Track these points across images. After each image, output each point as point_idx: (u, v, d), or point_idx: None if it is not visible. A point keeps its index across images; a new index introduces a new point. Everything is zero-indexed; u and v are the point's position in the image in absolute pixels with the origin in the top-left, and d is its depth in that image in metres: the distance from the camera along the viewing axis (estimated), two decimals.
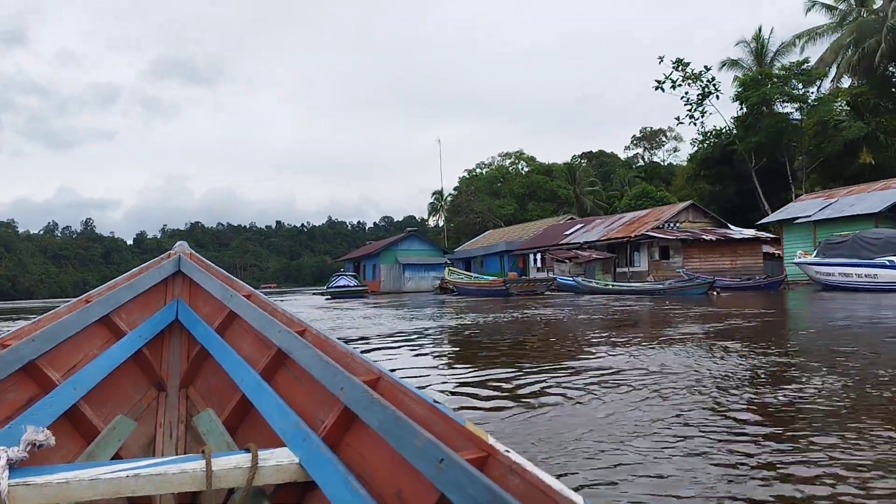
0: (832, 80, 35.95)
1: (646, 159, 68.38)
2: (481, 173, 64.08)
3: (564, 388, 4.02)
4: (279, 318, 1.95)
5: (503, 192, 57.88)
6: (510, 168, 64.16)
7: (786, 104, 35.76)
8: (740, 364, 4.73)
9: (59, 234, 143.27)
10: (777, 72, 35.56)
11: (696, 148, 41.48)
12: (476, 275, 32.04)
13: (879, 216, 21.22)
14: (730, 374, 4.26)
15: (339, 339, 1.73)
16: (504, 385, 4.23)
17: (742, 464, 2.33)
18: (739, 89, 35.33)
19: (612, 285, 23.91)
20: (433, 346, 7.34)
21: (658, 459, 2.39)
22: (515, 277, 27.39)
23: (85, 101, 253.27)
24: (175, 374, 2.17)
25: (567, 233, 35.96)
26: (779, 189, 35.13)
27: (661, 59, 36.49)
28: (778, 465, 2.28)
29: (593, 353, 5.77)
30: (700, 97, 36.67)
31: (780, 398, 3.47)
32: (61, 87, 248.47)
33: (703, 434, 2.75)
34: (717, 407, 3.29)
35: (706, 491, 2.06)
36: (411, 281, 42.84)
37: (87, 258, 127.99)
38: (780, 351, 5.51)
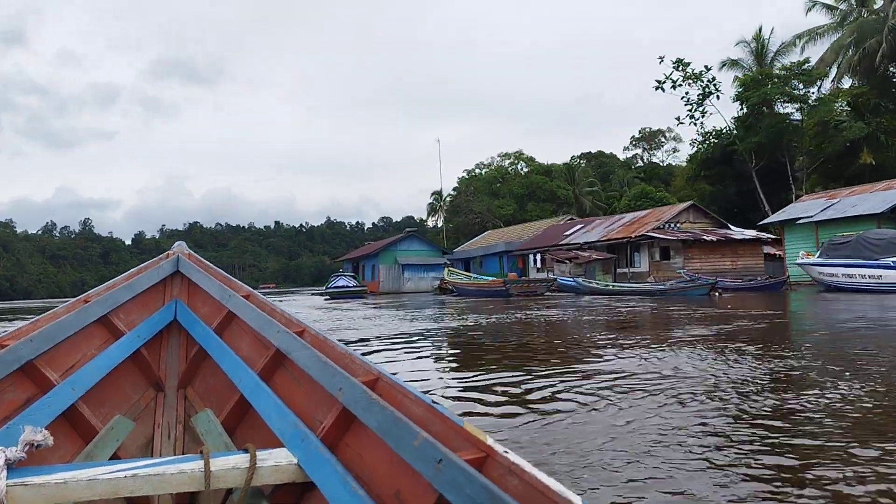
0: (833, 81, 35.88)
1: (645, 160, 68.38)
2: (481, 173, 63.92)
3: (576, 392, 3.87)
4: (278, 318, 1.94)
5: (502, 193, 57.72)
6: (509, 168, 64.00)
7: (786, 104, 35.69)
8: (757, 368, 4.57)
9: (58, 234, 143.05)
10: (777, 72, 35.47)
11: (695, 148, 41.40)
12: (476, 275, 31.87)
13: (882, 217, 21.09)
14: (748, 379, 4.10)
15: (339, 340, 1.69)
16: (512, 389, 4.07)
17: (783, 479, 2.16)
18: (740, 89, 35.25)
19: (613, 286, 23.76)
20: (436, 349, 7.18)
21: (689, 473, 2.23)
22: (515, 278, 27.26)
23: (85, 101, 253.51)
24: (173, 374, 2.16)
25: (567, 233, 35.81)
26: (779, 189, 35.04)
27: (662, 59, 36.43)
28: (824, 482, 2.11)
29: (602, 356, 5.62)
30: (700, 97, 36.58)
31: (806, 404, 3.31)
32: (61, 87, 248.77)
33: (731, 444, 2.59)
34: (741, 414, 3.13)
35: None
36: (410, 281, 42.68)
37: (86, 258, 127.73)
38: (794, 354, 5.35)
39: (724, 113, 56.73)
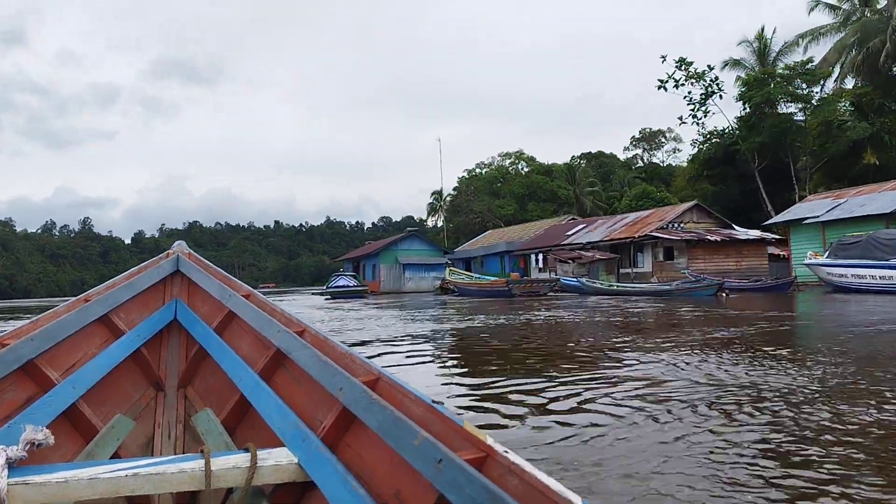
0: (836, 80, 35.64)
1: (645, 160, 68.16)
2: (481, 173, 63.63)
3: (607, 402, 3.58)
4: (278, 318, 1.94)
5: (503, 193, 57.45)
6: (510, 168, 63.72)
7: (789, 104, 35.52)
8: (795, 374, 4.29)
9: (57, 233, 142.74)
10: (780, 71, 35.25)
11: (697, 148, 41.17)
12: (477, 275, 31.59)
13: (891, 217, 20.83)
14: (792, 388, 3.81)
15: (342, 342, 1.67)
16: (532, 399, 3.78)
17: None
18: (743, 89, 35.05)
19: (618, 286, 23.51)
20: (446, 352, 6.89)
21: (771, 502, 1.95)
22: (518, 278, 27.06)
23: (85, 101, 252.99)
24: (173, 373, 2.16)
25: (569, 233, 35.55)
26: (782, 189, 34.81)
27: (664, 58, 36.15)
28: None
29: (623, 361, 5.33)
30: (703, 97, 36.36)
31: (865, 418, 3.03)
32: (61, 87, 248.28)
33: (806, 465, 2.30)
34: (798, 430, 2.84)
35: None
36: (411, 281, 42.40)
37: (85, 257, 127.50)
38: (828, 359, 5.06)
39: (726, 112, 56.59)
